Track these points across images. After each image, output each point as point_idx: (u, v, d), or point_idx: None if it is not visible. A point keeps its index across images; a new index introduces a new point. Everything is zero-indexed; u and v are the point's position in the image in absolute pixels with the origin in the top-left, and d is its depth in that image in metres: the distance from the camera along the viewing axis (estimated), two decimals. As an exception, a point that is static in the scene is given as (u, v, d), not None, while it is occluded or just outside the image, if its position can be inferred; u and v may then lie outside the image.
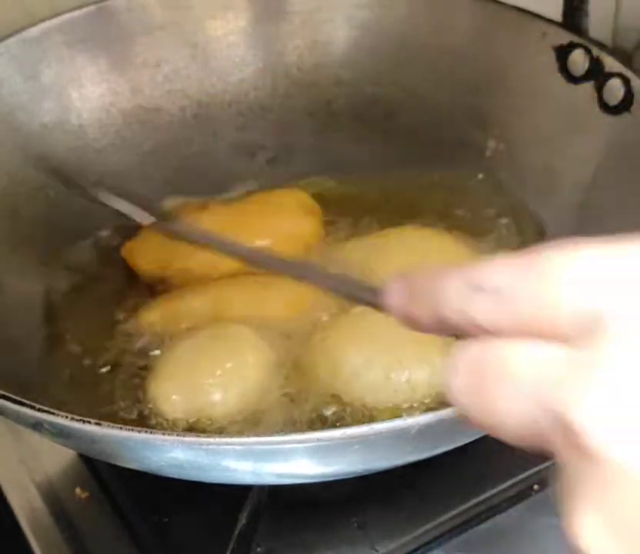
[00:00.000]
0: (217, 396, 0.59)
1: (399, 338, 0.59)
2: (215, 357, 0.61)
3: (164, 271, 0.70)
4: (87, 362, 0.65)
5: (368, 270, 0.66)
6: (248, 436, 0.46)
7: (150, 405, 0.61)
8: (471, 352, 0.27)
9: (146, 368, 0.63)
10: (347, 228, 0.74)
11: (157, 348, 0.65)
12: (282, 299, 0.66)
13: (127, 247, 0.73)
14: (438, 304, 0.29)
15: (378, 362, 0.60)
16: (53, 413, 0.46)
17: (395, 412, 0.59)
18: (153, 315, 0.67)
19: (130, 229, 0.75)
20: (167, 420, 0.60)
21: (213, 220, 0.70)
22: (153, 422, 0.60)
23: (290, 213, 0.73)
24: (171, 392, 0.60)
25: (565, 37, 0.73)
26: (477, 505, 0.59)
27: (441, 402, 0.57)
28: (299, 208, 0.74)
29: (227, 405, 0.59)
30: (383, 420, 0.48)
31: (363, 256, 0.68)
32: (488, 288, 0.27)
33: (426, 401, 0.59)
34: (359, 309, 0.61)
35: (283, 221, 0.73)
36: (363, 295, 0.36)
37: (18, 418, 0.49)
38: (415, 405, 0.59)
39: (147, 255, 0.71)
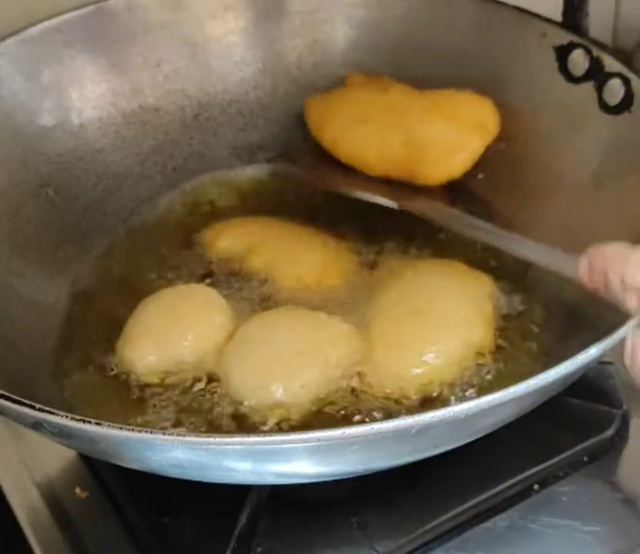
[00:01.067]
0: (188, 356, 0.62)
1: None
2: (185, 318, 0.64)
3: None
4: (89, 361, 0.65)
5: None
6: (248, 436, 0.46)
7: (124, 367, 0.63)
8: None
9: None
10: (349, 229, 0.74)
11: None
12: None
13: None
14: (607, 286, 0.48)
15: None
16: (53, 413, 0.46)
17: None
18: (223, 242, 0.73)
19: (126, 234, 0.76)
20: (140, 379, 0.62)
21: (387, 101, 0.75)
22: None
23: (460, 123, 0.73)
24: (146, 353, 0.63)
25: (565, 37, 0.73)
26: (477, 505, 0.59)
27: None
28: (472, 121, 0.73)
29: (199, 363, 0.62)
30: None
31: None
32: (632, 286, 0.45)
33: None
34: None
35: (447, 128, 0.73)
36: (563, 266, 0.55)
37: (18, 418, 0.49)
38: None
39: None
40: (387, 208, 0.74)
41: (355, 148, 0.76)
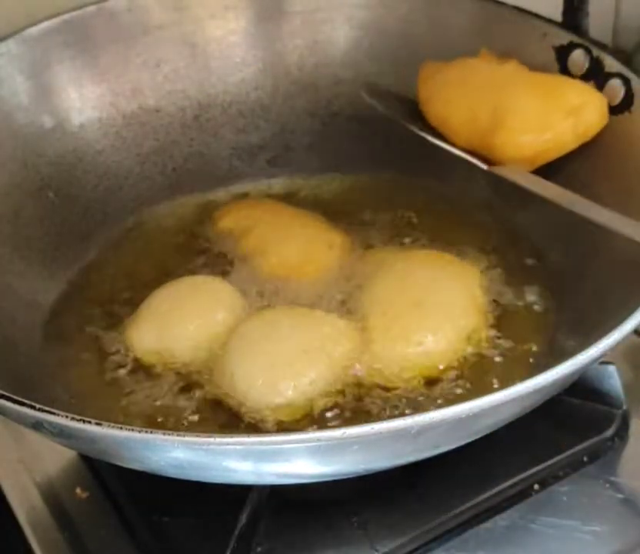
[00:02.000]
0: (186, 344, 0.64)
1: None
2: (189, 308, 0.66)
3: None
4: (89, 359, 0.65)
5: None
6: (248, 436, 0.46)
7: (128, 347, 0.65)
8: None
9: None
10: (348, 229, 0.74)
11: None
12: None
13: None
14: None
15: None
16: (53, 413, 0.46)
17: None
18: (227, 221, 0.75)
19: (126, 234, 0.76)
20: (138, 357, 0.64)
21: (494, 72, 0.72)
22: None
23: (553, 105, 0.69)
24: (144, 334, 0.65)
25: (565, 37, 0.73)
26: (477, 505, 0.59)
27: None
28: (568, 107, 0.69)
29: (195, 354, 0.63)
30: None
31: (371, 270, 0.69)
32: None
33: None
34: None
35: (536, 104, 0.69)
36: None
37: (18, 418, 0.49)
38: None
39: None
40: (381, 202, 0.76)
41: (445, 108, 0.73)
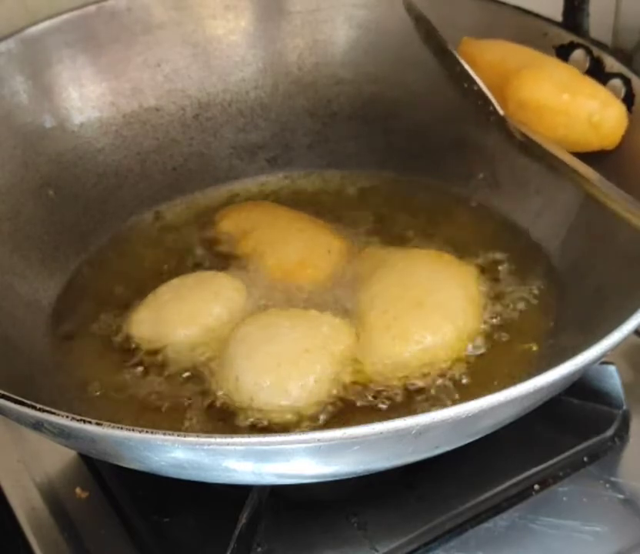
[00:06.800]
0: (178, 334, 0.65)
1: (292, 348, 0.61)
2: (187, 300, 0.66)
3: None
4: (89, 359, 0.65)
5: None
6: (249, 437, 0.46)
7: (128, 345, 0.65)
8: None
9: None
10: (348, 228, 0.75)
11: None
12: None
13: None
14: None
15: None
16: (53, 413, 0.46)
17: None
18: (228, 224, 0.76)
19: (126, 233, 0.76)
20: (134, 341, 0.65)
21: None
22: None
23: (577, 85, 0.69)
24: (142, 321, 0.66)
25: (565, 37, 0.73)
26: (477, 505, 0.59)
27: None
28: (591, 93, 0.68)
29: (186, 343, 0.64)
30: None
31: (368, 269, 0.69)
32: None
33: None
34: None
35: (564, 72, 0.70)
36: None
37: (19, 418, 0.49)
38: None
39: None
40: (381, 202, 0.76)
41: (478, 47, 0.73)
